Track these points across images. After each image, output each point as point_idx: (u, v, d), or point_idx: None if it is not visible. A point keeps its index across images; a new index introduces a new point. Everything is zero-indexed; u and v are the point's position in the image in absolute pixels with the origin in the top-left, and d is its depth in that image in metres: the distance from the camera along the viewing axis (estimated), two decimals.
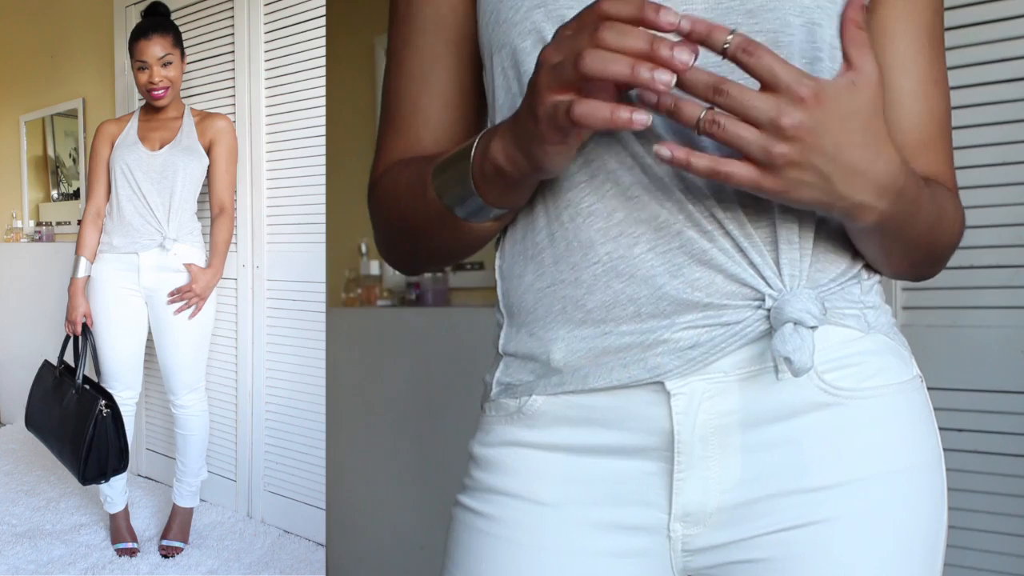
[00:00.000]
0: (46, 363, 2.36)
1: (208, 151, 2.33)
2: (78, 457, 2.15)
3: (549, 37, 0.74)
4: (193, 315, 2.31)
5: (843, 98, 0.65)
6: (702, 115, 0.64)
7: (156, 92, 2.27)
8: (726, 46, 0.63)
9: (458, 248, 0.83)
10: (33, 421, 2.35)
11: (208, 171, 2.34)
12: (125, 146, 2.31)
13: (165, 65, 2.26)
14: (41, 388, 2.33)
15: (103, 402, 2.15)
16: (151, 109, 2.34)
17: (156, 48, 2.25)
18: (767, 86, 0.63)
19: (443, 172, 0.77)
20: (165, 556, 2.34)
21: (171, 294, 2.28)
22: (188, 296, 2.28)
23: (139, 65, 2.26)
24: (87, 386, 2.21)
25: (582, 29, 0.63)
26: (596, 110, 0.62)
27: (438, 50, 0.87)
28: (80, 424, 2.15)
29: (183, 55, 2.33)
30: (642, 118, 0.62)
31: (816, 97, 0.63)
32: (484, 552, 0.80)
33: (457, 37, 0.86)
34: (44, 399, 2.31)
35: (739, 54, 0.63)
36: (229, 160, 2.36)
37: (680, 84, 0.63)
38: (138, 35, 2.27)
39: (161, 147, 2.31)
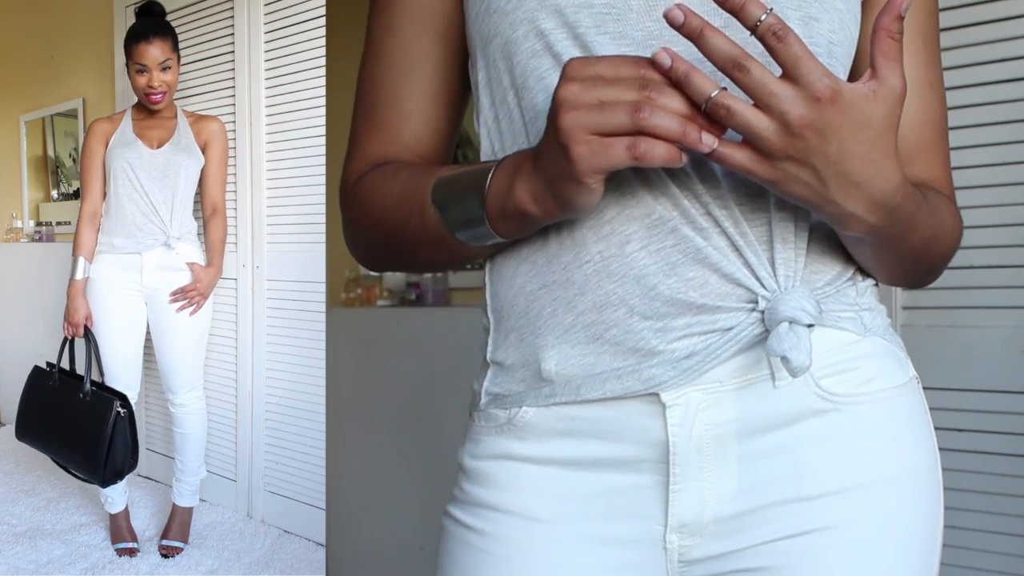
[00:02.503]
0: (37, 369, 2.32)
1: (202, 152, 2.33)
2: (95, 460, 2.14)
3: (544, 27, 0.73)
4: (194, 312, 2.31)
5: (859, 106, 0.63)
6: (713, 94, 0.62)
7: (154, 97, 2.26)
8: (758, 23, 0.61)
9: (451, 264, 0.82)
10: (29, 429, 2.31)
11: (201, 172, 2.35)
12: (124, 144, 2.30)
13: (164, 70, 2.26)
14: (37, 394, 2.29)
15: (118, 403, 2.15)
16: (144, 108, 2.33)
17: (156, 52, 2.24)
18: (787, 75, 0.62)
19: (449, 202, 0.75)
20: (165, 556, 2.34)
21: (173, 294, 2.28)
22: (192, 295, 2.29)
23: (138, 68, 2.25)
24: (96, 388, 2.20)
25: (622, 81, 0.63)
26: (656, 148, 0.62)
27: (423, 39, 0.84)
28: (97, 427, 2.13)
29: (179, 59, 2.33)
30: (686, 159, 0.64)
31: (833, 99, 0.62)
32: (477, 568, 0.78)
33: (444, 27, 0.84)
34: (42, 405, 2.27)
35: (768, 35, 0.61)
36: (222, 162, 2.37)
37: (701, 48, 0.62)
38: (138, 37, 2.25)
39: (159, 146, 2.31)
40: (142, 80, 2.25)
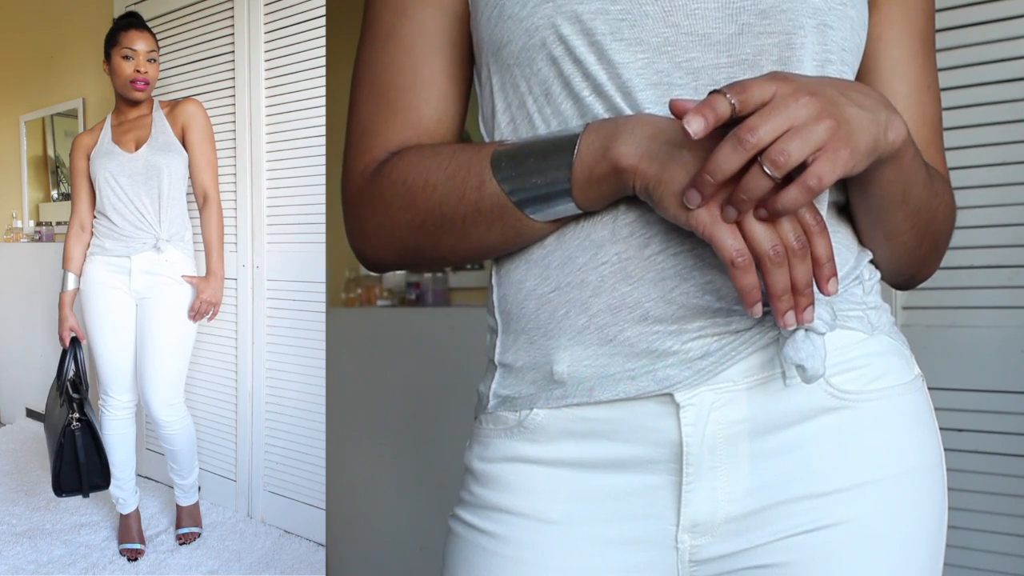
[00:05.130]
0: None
1: (183, 140, 2.32)
2: (52, 467, 2.19)
3: (562, 33, 0.73)
4: (211, 318, 2.33)
5: (790, 72, 0.66)
6: (769, 165, 0.63)
7: (139, 84, 2.26)
8: (733, 104, 0.63)
9: (497, 247, 0.78)
10: (46, 429, 2.38)
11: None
12: (104, 154, 2.30)
13: (150, 61, 2.27)
14: (50, 395, 2.35)
15: (75, 416, 2.17)
16: (120, 112, 2.33)
17: (144, 42, 2.26)
18: (764, 103, 0.63)
19: (522, 171, 0.73)
20: (182, 544, 2.36)
21: (191, 315, 2.30)
22: (200, 308, 2.30)
23: (126, 54, 2.25)
24: (68, 399, 2.22)
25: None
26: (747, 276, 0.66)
27: (440, 21, 0.82)
28: (53, 436, 2.20)
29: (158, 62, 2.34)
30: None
31: (780, 73, 0.65)
32: (489, 571, 0.78)
33: (460, 9, 0.82)
34: (48, 406, 2.33)
35: (742, 105, 0.63)
36: (204, 143, 2.34)
37: (741, 190, 0.64)
38: (127, 26, 2.27)
39: (137, 148, 2.30)
40: (128, 67, 2.25)
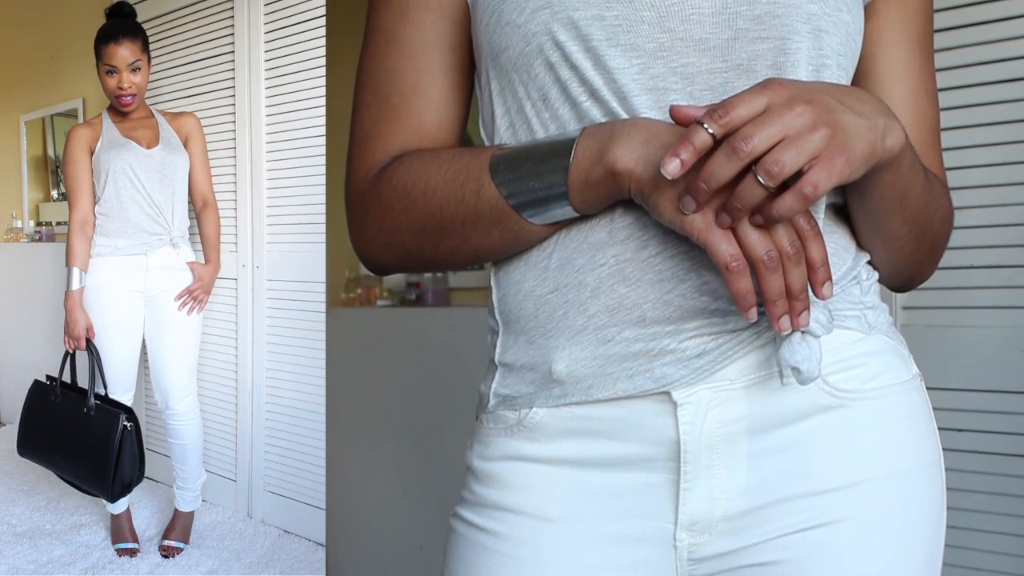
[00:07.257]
0: (37, 383, 2.28)
1: (185, 148, 2.35)
2: (102, 476, 2.11)
3: (558, 39, 0.74)
4: (201, 311, 2.34)
5: (786, 79, 0.66)
6: (764, 177, 0.63)
7: (124, 99, 2.24)
8: (713, 134, 0.63)
9: (497, 250, 0.79)
10: (31, 445, 2.27)
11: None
12: (118, 146, 2.28)
13: (134, 71, 2.24)
14: (39, 409, 2.25)
15: (124, 416, 2.12)
16: (119, 111, 2.32)
17: (126, 53, 2.22)
18: (756, 116, 0.64)
19: (520, 175, 0.74)
20: (165, 556, 2.34)
21: (179, 297, 2.29)
22: (197, 294, 2.30)
23: (107, 69, 2.23)
24: (101, 402, 2.16)
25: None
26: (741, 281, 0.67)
27: (440, 26, 0.83)
28: (103, 442, 2.10)
29: (150, 59, 2.31)
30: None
31: (776, 80, 0.65)
32: (489, 569, 0.79)
33: (460, 14, 0.83)
34: (45, 421, 2.23)
35: (724, 128, 0.63)
36: (205, 154, 2.40)
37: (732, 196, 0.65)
38: (107, 38, 2.22)
39: (150, 146, 2.30)
40: (112, 82, 2.23)
